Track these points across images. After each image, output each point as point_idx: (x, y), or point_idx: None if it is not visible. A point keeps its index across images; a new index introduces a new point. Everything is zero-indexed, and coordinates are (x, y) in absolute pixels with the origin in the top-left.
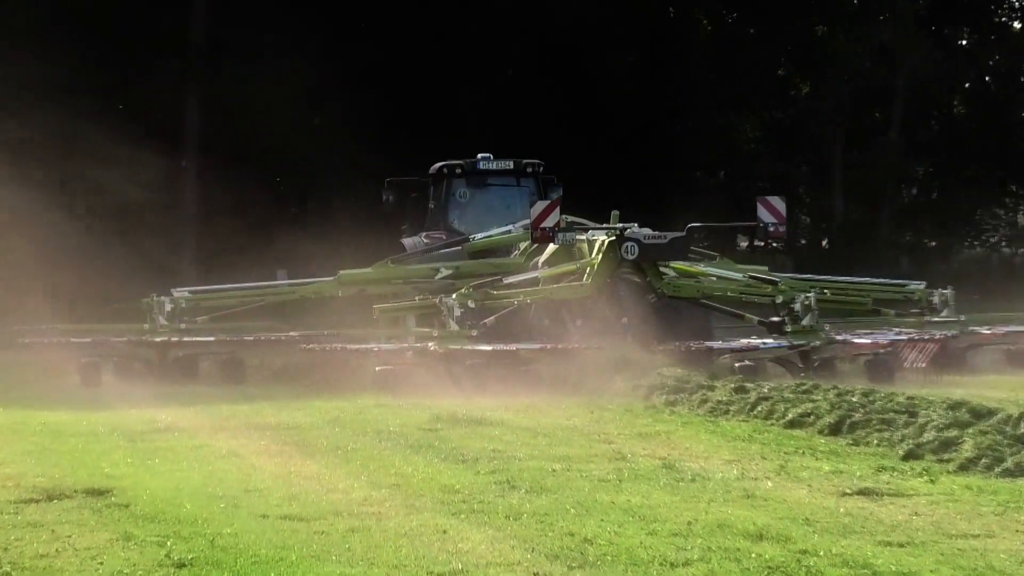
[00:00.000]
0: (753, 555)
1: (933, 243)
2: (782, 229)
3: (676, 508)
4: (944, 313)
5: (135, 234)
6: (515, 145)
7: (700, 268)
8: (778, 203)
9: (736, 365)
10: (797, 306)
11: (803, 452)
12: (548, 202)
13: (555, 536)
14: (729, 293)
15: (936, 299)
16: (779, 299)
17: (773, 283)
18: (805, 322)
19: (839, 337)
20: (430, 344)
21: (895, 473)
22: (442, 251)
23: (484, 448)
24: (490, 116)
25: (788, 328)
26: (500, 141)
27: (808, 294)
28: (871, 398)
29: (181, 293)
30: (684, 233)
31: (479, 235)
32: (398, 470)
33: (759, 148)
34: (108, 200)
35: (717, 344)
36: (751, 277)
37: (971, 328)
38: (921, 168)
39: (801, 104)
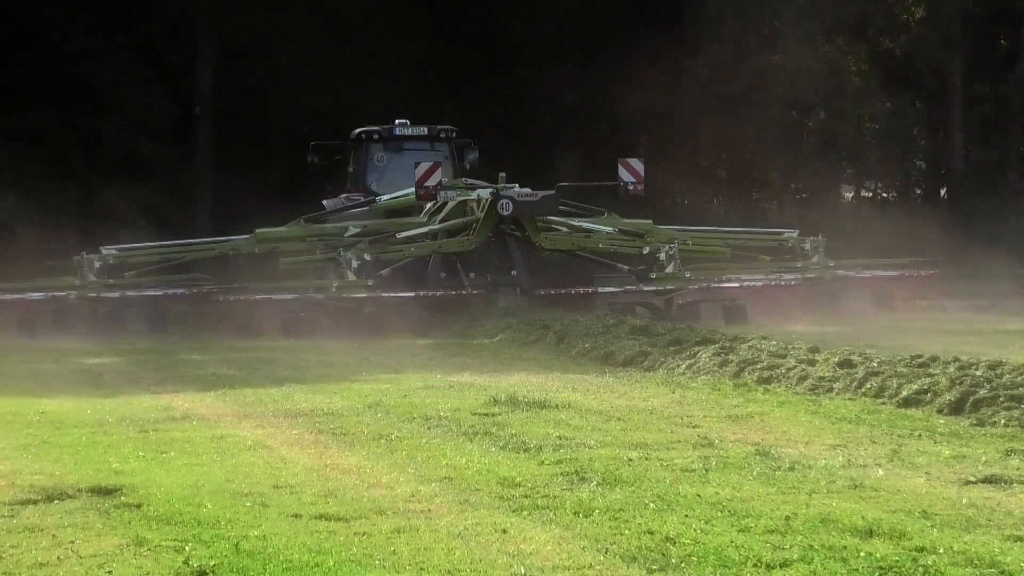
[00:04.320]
0: (862, 554)
1: None
2: (640, 188)
3: (772, 501)
4: (815, 260)
5: (141, 192)
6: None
7: (580, 223)
8: (637, 164)
9: (606, 304)
10: (662, 256)
11: (919, 435)
12: (431, 164)
13: (632, 535)
14: (601, 245)
15: (808, 247)
16: (645, 250)
17: (639, 235)
18: (669, 270)
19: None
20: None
21: None
22: (354, 211)
23: (549, 435)
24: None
25: (654, 275)
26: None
27: (672, 244)
28: (998, 371)
29: (109, 251)
30: (554, 191)
31: (386, 196)
32: (450, 461)
33: (865, 84)
34: (109, 153)
35: (583, 289)
36: (620, 231)
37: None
38: None
39: (914, 30)
